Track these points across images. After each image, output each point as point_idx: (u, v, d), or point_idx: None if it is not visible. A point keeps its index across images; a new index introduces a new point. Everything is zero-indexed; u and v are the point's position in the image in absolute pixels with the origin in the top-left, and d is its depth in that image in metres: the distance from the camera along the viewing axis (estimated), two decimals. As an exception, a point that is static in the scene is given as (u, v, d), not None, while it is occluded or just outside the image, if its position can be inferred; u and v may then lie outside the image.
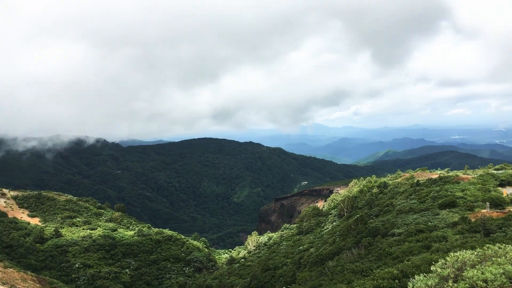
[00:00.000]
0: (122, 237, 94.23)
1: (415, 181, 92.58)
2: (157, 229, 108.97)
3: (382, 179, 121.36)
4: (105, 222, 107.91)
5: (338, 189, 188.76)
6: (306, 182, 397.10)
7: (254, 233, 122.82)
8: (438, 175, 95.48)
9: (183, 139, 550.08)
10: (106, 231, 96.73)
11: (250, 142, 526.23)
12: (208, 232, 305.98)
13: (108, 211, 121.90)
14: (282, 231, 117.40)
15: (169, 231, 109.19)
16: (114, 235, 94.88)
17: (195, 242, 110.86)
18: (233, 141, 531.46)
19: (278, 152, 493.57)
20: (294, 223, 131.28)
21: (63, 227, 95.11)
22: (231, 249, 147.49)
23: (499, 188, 76.69)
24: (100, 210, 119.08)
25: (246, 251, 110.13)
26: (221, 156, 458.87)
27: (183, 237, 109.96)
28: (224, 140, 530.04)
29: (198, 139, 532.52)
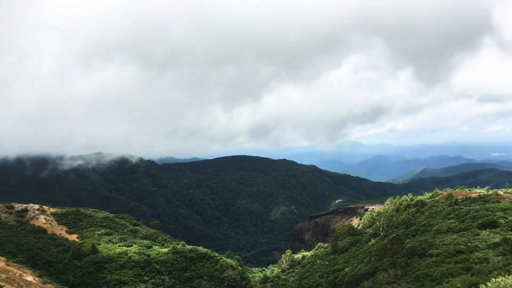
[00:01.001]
0: (157, 254, 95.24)
1: (454, 200, 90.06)
2: (191, 246, 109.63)
3: (419, 198, 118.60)
4: (140, 239, 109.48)
5: (373, 207, 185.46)
6: (340, 200, 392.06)
7: (288, 251, 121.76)
8: (477, 194, 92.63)
9: (217, 157, 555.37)
10: (141, 248, 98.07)
11: (284, 160, 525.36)
12: (241, 250, 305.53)
13: (143, 228, 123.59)
14: (316, 249, 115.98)
15: (203, 249, 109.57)
16: (149, 252, 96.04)
17: (228, 260, 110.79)
18: (267, 158, 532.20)
19: (312, 170, 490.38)
20: (328, 242, 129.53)
21: (100, 244, 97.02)
22: (264, 268, 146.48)
23: (544, 207, 73.65)
24: (135, 227, 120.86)
25: (280, 270, 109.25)
26: (255, 174, 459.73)
27: (216, 254, 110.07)
28: (258, 157, 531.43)
29: (232, 156, 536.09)
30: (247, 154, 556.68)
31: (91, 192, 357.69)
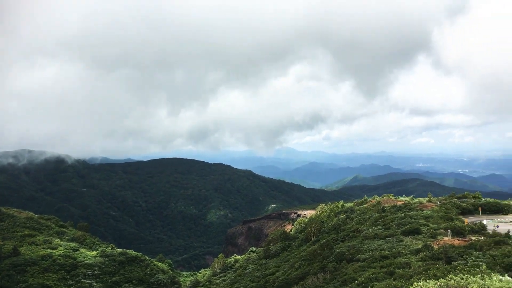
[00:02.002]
0: (84, 258, 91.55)
1: (381, 207, 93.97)
2: (121, 249, 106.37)
3: (349, 205, 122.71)
4: (67, 241, 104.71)
5: (306, 213, 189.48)
6: (274, 205, 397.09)
7: (221, 255, 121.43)
8: (403, 202, 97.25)
9: (152, 159, 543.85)
10: (67, 250, 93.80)
11: (220, 164, 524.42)
12: (174, 254, 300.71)
13: (70, 230, 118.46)
14: (249, 254, 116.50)
15: (134, 252, 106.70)
16: (76, 255, 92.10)
17: (159, 264, 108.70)
18: (203, 162, 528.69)
19: (248, 175, 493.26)
20: (261, 246, 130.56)
21: (22, 246, 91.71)
22: (196, 272, 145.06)
23: (461, 216, 78.66)
24: (62, 229, 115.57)
25: (211, 274, 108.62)
26: (190, 177, 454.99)
27: (147, 258, 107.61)
28: (194, 160, 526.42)
29: (168, 158, 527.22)
30: (183, 157, 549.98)
31: (14, 191, 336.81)
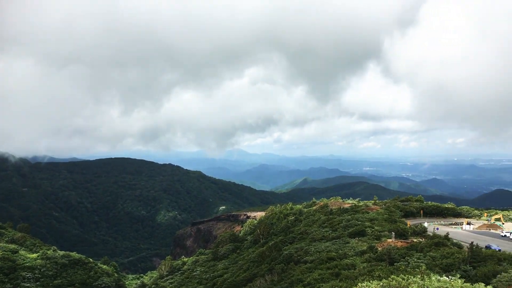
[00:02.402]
0: (24, 260, 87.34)
1: (329, 209, 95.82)
2: (63, 252, 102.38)
3: (298, 207, 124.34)
4: (5, 243, 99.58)
5: (255, 215, 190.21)
6: (224, 207, 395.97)
7: (168, 257, 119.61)
8: (350, 205, 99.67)
9: (99, 158, 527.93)
10: (5, 253, 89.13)
11: (170, 164, 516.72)
12: (119, 256, 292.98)
13: (9, 231, 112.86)
14: (197, 256, 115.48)
15: (77, 255, 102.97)
16: (15, 257, 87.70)
17: (104, 267, 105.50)
18: (152, 162, 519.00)
19: (198, 176, 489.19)
20: (210, 248, 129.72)
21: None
22: (143, 275, 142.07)
23: (404, 219, 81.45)
24: (0, 230, 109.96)
25: (158, 277, 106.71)
26: (139, 177, 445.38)
27: (91, 261, 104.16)
28: (143, 160, 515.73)
29: (116, 158, 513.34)
30: (132, 157, 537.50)
31: None
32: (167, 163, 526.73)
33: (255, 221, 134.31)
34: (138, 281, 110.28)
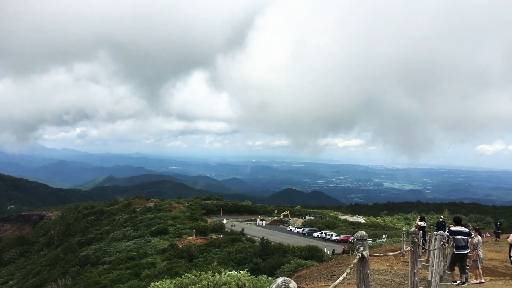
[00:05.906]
0: None
1: (132, 208, 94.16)
2: None
3: (100, 206, 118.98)
4: None
5: (50, 214, 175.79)
6: (13, 207, 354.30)
7: None
8: (154, 203, 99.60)
9: None
10: None
11: None
12: None
13: None
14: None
15: None
16: None
17: None
18: None
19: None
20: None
21: None
22: None
23: (205, 216, 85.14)
24: None
25: None
26: None
27: None
28: None
29: None
30: None
31: None
32: None
33: (50, 222, 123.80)
34: None
